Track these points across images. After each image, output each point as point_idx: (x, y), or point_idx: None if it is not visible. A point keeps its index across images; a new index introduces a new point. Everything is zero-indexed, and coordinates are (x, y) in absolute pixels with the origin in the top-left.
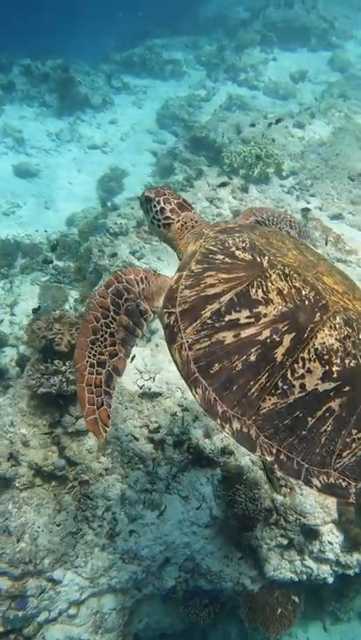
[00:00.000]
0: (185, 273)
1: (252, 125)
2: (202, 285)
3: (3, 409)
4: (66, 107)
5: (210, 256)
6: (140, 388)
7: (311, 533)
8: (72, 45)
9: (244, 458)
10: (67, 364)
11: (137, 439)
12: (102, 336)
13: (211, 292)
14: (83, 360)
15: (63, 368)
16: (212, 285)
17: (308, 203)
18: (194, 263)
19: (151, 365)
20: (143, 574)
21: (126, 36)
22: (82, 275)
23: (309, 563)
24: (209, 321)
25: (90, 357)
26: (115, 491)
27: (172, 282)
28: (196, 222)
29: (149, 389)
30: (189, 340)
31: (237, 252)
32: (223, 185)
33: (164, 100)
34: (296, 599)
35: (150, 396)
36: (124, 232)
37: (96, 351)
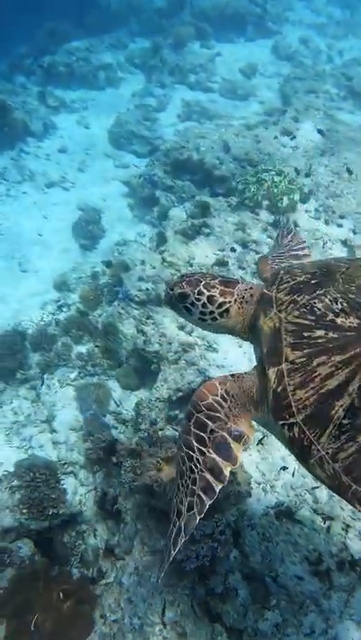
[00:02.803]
0: (284, 367)
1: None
2: (317, 379)
3: None
4: (5, 139)
5: (304, 334)
6: (274, 507)
7: None
8: None
9: None
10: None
11: (301, 578)
12: (185, 482)
13: (332, 384)
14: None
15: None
16: (330, 376)
17: (341, 226)
18: (288, 349)
19: (269, 472)
20: None
21: (34, 40)
22: (114, 358)
23: None
24: (345, 421)
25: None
26: None
27: (272, 383)
28: (250, 288)
29: (283, 506)
30: (329, 451)
31: (339, 320)
32: (277, 224)
33: (109, 114)
34: None
35: (288, 515)
36: (153, 299)
37: (178, 499)
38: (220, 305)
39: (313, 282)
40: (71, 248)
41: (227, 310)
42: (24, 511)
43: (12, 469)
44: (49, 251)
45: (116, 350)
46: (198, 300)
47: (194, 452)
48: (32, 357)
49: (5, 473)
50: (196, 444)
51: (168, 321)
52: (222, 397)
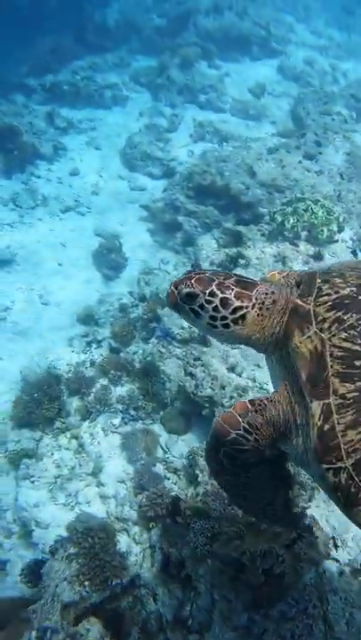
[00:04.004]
0: (332, 401)
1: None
2: None
3: None
4: (15, 162)
5: (356, 363)
6: (349, 564)
7: None
8: None
9: None
10: None
11: None
12: (250, 490)
13: None
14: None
15: None
16: None
17: None
18: (336, 380)
19: (339, 525)
20: None
21: (34, 57)
22: (157, 400)
23: None
24: None
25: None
26: None
27: (317, 419)
28: (273, 294)
29: (358, 563)
30: None
31: None
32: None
33: (119, 134)
34: None
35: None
36: (197, 338)
37: (252, 503)
38: (235, 310)
39: (353, 291)
40: (93, 278)
41: (243, 317)
42: (85, 583)
43: (62, 531)
44: (70, 281)
45: (159, 392)
46: (209, 302)
47: (238, 474)
48: (70, 403)
49: (59, 538)
50: (235, 469)
51: (217, 362)
52: (246, 431)
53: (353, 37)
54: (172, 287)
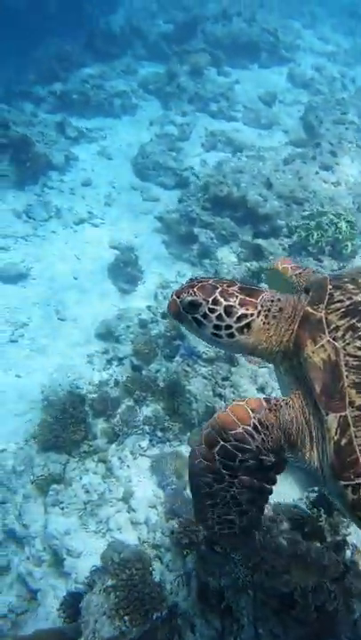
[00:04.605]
0: (349, 414)
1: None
2: None
3: None
4: (27, 174)
5: None
6: None
7: None
8: None
9: None
10: None
11: None
12: (223, 499)
13: None
14: (206, 519)
15: None
16: None
17: None
18: (353, 391)
19: None
20: None
21: (43, 65)
22: (183, 421)
23: None
24: None
25: (213, 517)
26: None
27: (333, 433)
28: (279, 301)
29: None
30: None
31: None
32: None
33: (130, 143)
34: None
35: None
36: (223, 357)
37: (220, 514)
38: (240, 318)
39: None
40: (109, 292)
41: (248, 325)
42: (125, 618)
43: (95, 559)
44: (86, 295)
45: (185, 412)
46: (213, 310)
47: (223, 476)
48: (95, 425)
49: (94, 568)
50: (224, 470)
51: (246, 382)
52: (255, 428)
53: (359, 42)
54: (174, 296)
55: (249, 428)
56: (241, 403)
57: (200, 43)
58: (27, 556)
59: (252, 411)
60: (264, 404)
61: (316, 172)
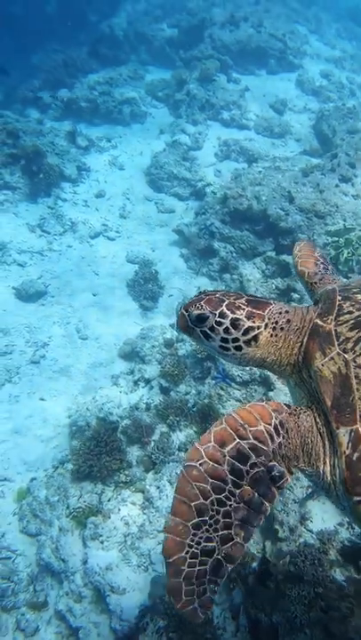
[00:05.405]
0: (360, 427)
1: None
2: None
3: None
4: (40, 186)
5: None
6: None
7: None
8: None
9: None
10: None
11: None
12: (212, 517)
13: None
14: (179, 551)
15: None
16: None
17: None
18: None
19: None
20: None
21: (47, 70)
22: None
23: None
24: None
25: (190, 547)
26: None
27: (345, 447)
28: (287, 313)
29: None
30: None
31: None
32: None
33: (141, 152)
34: None
35: None
36: (257, 380)
37: (201, 537)
38: (247, 331)
39: None
40: (130, 309)
41: (255, 338)
42: None
43: (139, 596)
44: (106, 313)
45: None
46: (220, 323)
47: (226, 483)
48: (130, 452)
49: (143, 608)
50: (229, 475)
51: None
52: (275, 429)
53: None
54: (183, 310)
55: (270, 428)
56: (260, 403)
57: (208, 48)
58: (65, 591)
59: (274, 412)
60: (285, 407)
61: (337, 185)
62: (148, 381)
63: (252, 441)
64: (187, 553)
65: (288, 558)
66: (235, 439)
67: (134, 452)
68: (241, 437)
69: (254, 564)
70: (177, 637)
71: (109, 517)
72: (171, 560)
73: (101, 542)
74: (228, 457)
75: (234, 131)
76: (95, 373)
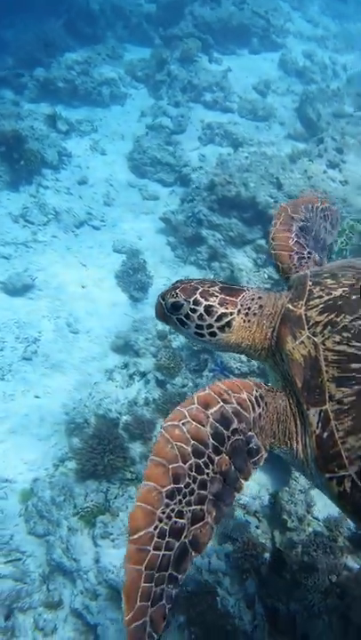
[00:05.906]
0: (329, 408)
1: None
2: None
3: None
4: (21, 174)
5: (352, 366)
6: None
7: None
8: None
9: None
10: None
11: None
12: (188, 486)
13: None
14: (148, 525)
15: None
16: None
17: None
18: (332, 385)
19: None
20: None
21: (21, 48)
22: None
23: None
24: None
25: (160, 522)
26: None
27: (315, 427)
28: (260, 299)
29: None
30: None
31: None
32: None
33: (123, 136)
34: None
35: None
36: (256, 371)
37: (173, 510)
38: (220, 317)
39: (354, 297)
40: (119, 301)
41: (228, 324)
42: None
43: None
44: (96, 305)
45: None
46: (194, 310)
47: (207, 447)
48: (133, 449)
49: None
50: (211, 439)
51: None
52: (256, 400)
53: (346, 26)
54: (160, 298)
55: (252, 397)
56: (242, 379)
57: (189, 26)
58: (80, 590)
59: (255, 384)
60: (263, 384)
61: (324, 172)
62: (143, 375)
63: (235, 405)
64: (155, 528)
65: (301, 548)
66: (219, 402)
67: (137, 449)
68: (225, 402)
69: (266, 555)
70: (199, 631)
71: (118, 515)
72: (136, 536)
73: (112, 540)
74: (211, 419)
75: (217, 113)
76: (89, 368)
